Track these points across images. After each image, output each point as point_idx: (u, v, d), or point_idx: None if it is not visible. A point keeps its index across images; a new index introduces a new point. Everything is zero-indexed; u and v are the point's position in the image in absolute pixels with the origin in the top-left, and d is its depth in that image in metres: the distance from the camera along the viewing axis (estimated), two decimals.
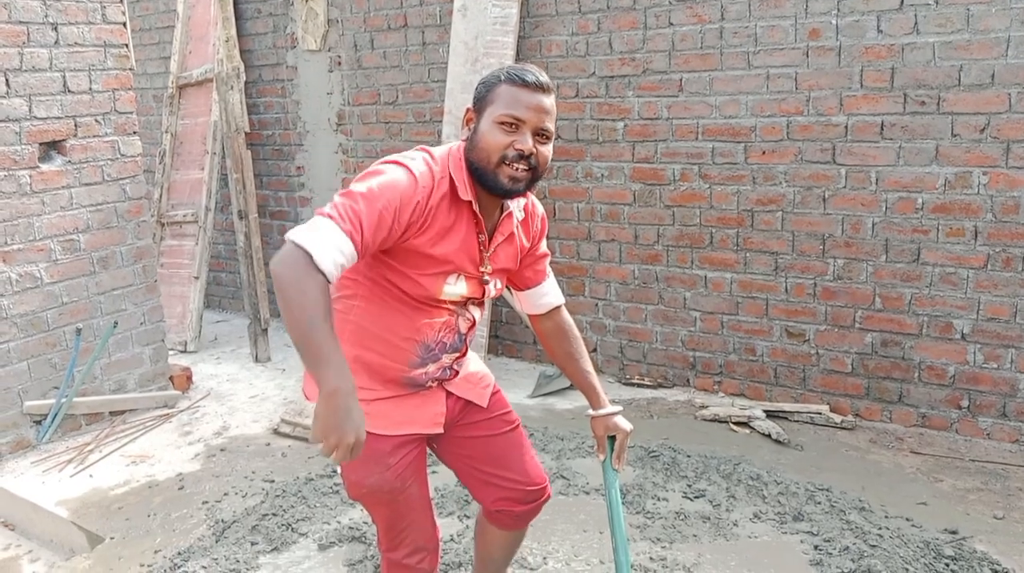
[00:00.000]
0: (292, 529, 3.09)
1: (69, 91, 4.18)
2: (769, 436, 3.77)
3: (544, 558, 2.85)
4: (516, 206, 1.97)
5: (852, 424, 3.88)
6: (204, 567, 2.81)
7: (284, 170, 5.87)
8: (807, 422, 3.94)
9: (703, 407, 4.11)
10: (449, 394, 2.02)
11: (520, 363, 4.94)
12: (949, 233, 3.63)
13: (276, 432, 4.09)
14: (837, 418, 3.89)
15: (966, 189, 3.57)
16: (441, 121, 4.87)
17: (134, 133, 4.49)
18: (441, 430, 1.99)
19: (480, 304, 1.99)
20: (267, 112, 5.86)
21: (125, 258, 4.46)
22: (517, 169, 1.77)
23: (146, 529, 3.23)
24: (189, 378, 4.75)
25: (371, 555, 2.86)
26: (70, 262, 4.22)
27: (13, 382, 3.98)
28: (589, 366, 2.16)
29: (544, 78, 1.81)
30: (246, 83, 5.69)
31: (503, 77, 1.80)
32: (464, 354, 2.03)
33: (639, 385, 4.51)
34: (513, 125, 1.77)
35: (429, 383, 1.96)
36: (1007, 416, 3.63)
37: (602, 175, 4.51)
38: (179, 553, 2.99)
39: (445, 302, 1.88)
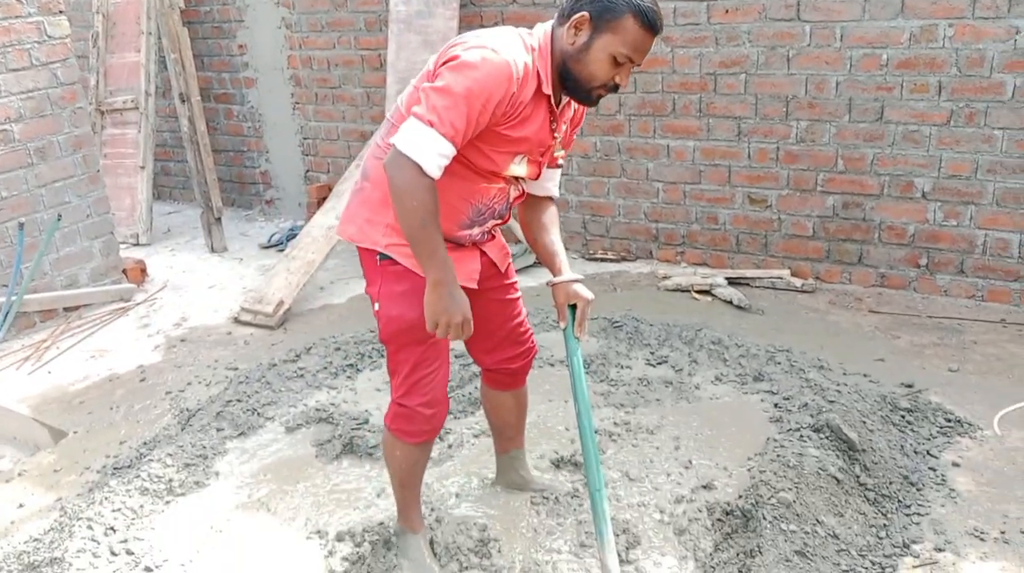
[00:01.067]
0: (258, 414, 3.08)
1: None
2: (731, 302, 3.80)
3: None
4: None
5: (812, 287, 3.92)
6: (170, 454, 2.80)
7: (225, 49, 5.57)
8: (768, 287, 3.97)
9: (666, 278, 4.12)
10: (483, 254, 2.11)
11: None
12: (913, 89, 3.56)
13: (237, 321, 4.03)
14: (798, 282, 3.92)
15: (931, 43, 3.47)
16: None
17: (60, 12, 4.19)
18: (475, 285, 2.06)
19: (533, 180, 2.08)
20: None
21: (63, 148, 4.25)
22: (604, 92, 1.87)
23: (109, 421, 3.21)
24: (143, 271, 4.64)
25: (339, 434, 2.87)
26: (5, 154, 4.02)
27: None
28: (558, 238, 2.18)
29: (663, 18, 1.83)
30: None
31: (635, 10, 1.77)
32: (506, 221, 2.13)
33: (603, 259, 4.49)
34: (623, 63, 1.81)
35: (468, 242, 2.06)
36: (964, 272, 3.68)
37: None
38: (144, 443, 2.98)
39: (504, 175, 1.98)
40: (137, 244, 5.29)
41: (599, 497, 1.98)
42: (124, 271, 4.53)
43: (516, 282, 2.27)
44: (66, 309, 4.23)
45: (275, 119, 5.57)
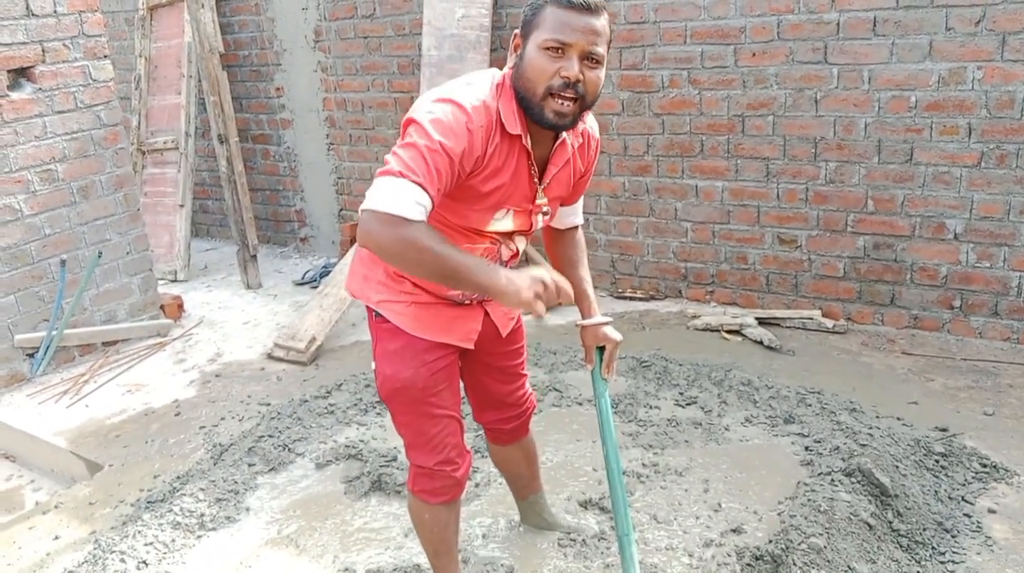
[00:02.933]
0: (289, 449, 3.12)
1: (33, 15, 4.01)
2: (761, 343, 3.78)
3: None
4: (571, 133, 1.87)
5: (844, 328, 3.89)
6: (202, 488, 2.84)
7: (263, 92, 5.72)
8: (799, 328, 3.95)
9: (695, 317, 4.11)
10: (486, 314, 2.04)
11: None
12: (942, 131, 3.55)
13: (270, 357, 4.09)
14: (829, 323, 3.90)
15: (960, 85, 3.48)
16: (420, 33, 4.71)
17: (105, 57, 4.34)
18: (471, 346, 2.01)
19: (526, 235, 1.97)
20: (242, 31, 5.67)
21: (105, 187, 4.38)
22: (563, 103, 1.67)
23: (144, 455, 3.26)
24: (180, 306, 4.73)
25: (367, 471, 2.89)
26: (49, 193, 4.15)
27: (1, 316, 3.96)
28: (587, 276, 2.16)
29: None
30: (219, 1, 5.49)
31: (551, 1, 1.67)
32: None
33: (631, 298, 4.50)
34: (559, 50, 1.65)
35: (467, 301, 1.99)
36: (999, 314, 3.63)
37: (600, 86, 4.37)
38: (178, 477, 3.03)
39: (489, 233, 1.87)
40: (175, 280, 5.40)
41: (627, 541, 1.97)
42: (162, 307, 4.62)
43: (521, 347, 2.19)
44: (104, 344, 4.32)
45: (310, 159, 5.69)
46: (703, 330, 4.00)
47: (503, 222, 1.86)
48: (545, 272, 1.67)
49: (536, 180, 1.84)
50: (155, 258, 5.18)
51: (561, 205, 2.05)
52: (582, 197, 2.13)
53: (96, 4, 4.26)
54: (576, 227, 2.17)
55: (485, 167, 1.73)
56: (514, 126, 1.74)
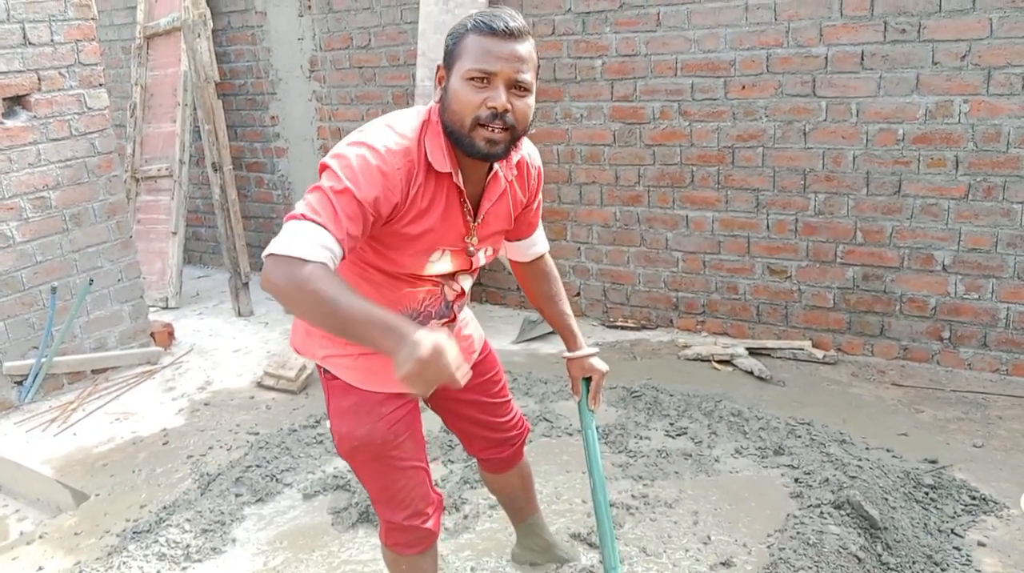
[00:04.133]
0: (276, 480, 3.09)
1: (30, 43, 4.05)
2: (751, 373, 3.78)
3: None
4: (504, 165, 1.80)
5: (834, 359, 3.90)
6: (189, 520, 2.81)
7: (258, 120, 5.76)
8: (789, 358, 3.95)
9: (686, 347, 4.12)
10: None
11: (504, 310, 4.92)
12: (930, 163, 3.59)
13: (260, 385, 4.08)
14: (819, 353, 3.91)
15: (947, 118, 3.52)
16: (415, 64, 4.76)
17: (100, 85, 4.37)
18: (428, 392, 1.93)
19: (471, 273, 1.89)
20: (238, 60, 5.72)
21: (98, 214, 4.38)
22: (493, 130, 1.60)
23: (131, 485, 3.23)
24: (171, 334, 4.72)
25: (355, 502, 2.87)
26: (42, 220, 4.15)
27: None
28: (567, 308, 2.14)
29: (516, 22, 1.61)
30: (215, 31, 5.54)
31: (470, 26, 1.61)
32: (453, 320, 1.95)
33: (622, 327, 4.51)
34: (484, 79, 1.59)
35: None
36: (988, 346, 3.64)
37: (581, 115, 4.43)
38: (164, 507, 3.00)
39: (429, 277, 1.80)
40: (166, 307, 5.39)
41: None
42: (152, 334, 4.61)
43: (498, 373, 2.13)
44: (94, 371, 4.30)
45: (304, 187, 5.71)
46: (694, 360, 4.00)
47: (440, 264, 1.78)
48: (451, 355, 1.38)
49: (470, 217, 1.76)
50: (147, 285, 5.18)
51: (512, 239, 2.00)
52: (540, 225, 2.05)
53: (93, 33, 4.30)
54: (542, 256, 2.10)
55: (408, 210, 1.65)
56: (443, 164, 1.66)
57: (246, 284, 5.19)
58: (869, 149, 3.70)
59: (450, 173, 1.68)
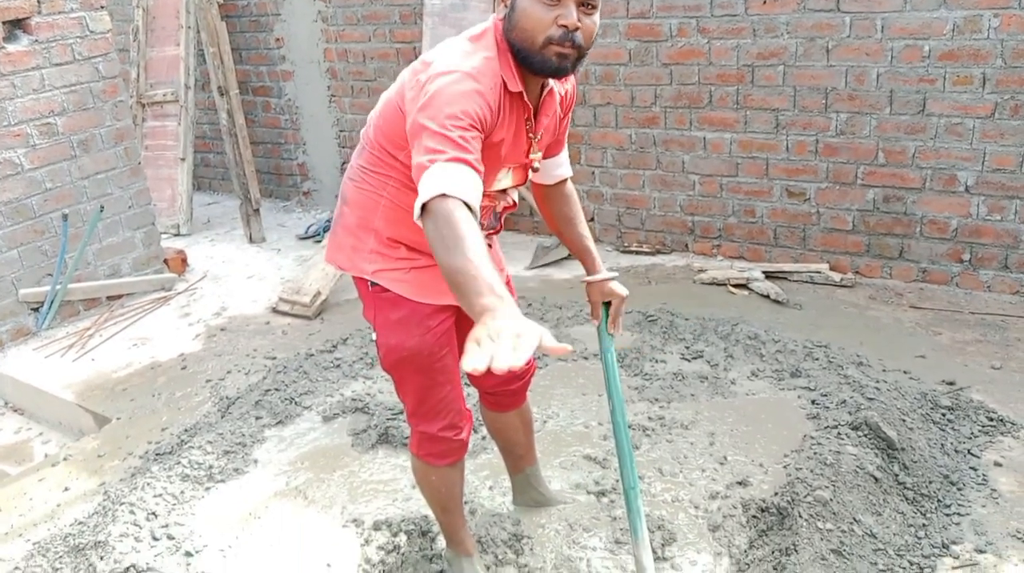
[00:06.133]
0: (296, 403, 3.12)
1: None
2: (768, 297, 3.76)
3: (544, 421, 2.89)
4: (558, 81, 1.82)
5: (852, 282, 3.86)
6: (210, 441, 2.85)
7: (263, 42, 5.62)
8: (806, 282, 3.92)
9: (701, 271, 4.09)
10: None
11: (518, 236, 4.88)
12: (956, 81, 3.48)
13: (275, 310, 4.09)
14: (837, 276, 3.87)
15: (975, 34, 3.39)
16: None
17: (102, 8, 4.26)
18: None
19: (520, 186, 1.93)
20: None
21: (105, 140, 4.33)
22: (564, 46, 1.60)
23: (152, 408, 3.27)
24: (184, 261, 4.71)
25: (375, 424, 2.90)
26: (49, 147, 4.10)
27: (5, 271, 3.95)
28: (586, 231, 2.12)
29: None
30: None
31: None
32: (499, 231, 1.99)
33: (637, 252, 4.47)
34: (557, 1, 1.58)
35: None
36: (1008, 268, 3.60)
37: (596, 33, 4.28)
38: (186, 430, 3.04)
39: (490, 192, 1.81)
40: (178, 234, 5.38)
41: (633, 494, 1.98)
42: (165, 261, 4.61)
43: (514, 298, 2.15)
44: (109, 298, 4.32)
45: (312, 111, 5.62)
46: (709, 284, 3.97)
47: (504, 181, 1.83)
48: (534, 336, 1.23)
49: (531, 134, 1.80)
50: (157, 212, 5.14)
51: (545, 157, 1.97)
52: (566, 147, 2.06)
53: None
54: (565, 180, 2.09)
55: (495, 128, 1.68)
56: (515, 83, 1.68)
57: (257, 210, 5.15)
58: (894, 66, 3.59)
59: (521, 92, 1.70)
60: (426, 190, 1.45)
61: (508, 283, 2.12)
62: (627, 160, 4.43)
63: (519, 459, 2.39)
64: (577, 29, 1.59)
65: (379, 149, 1.81)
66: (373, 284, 1.88)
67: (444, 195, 1.43)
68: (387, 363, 1.92)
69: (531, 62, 1.65)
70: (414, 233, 1.78)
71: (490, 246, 1.97)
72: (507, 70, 1.67)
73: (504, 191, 1.89)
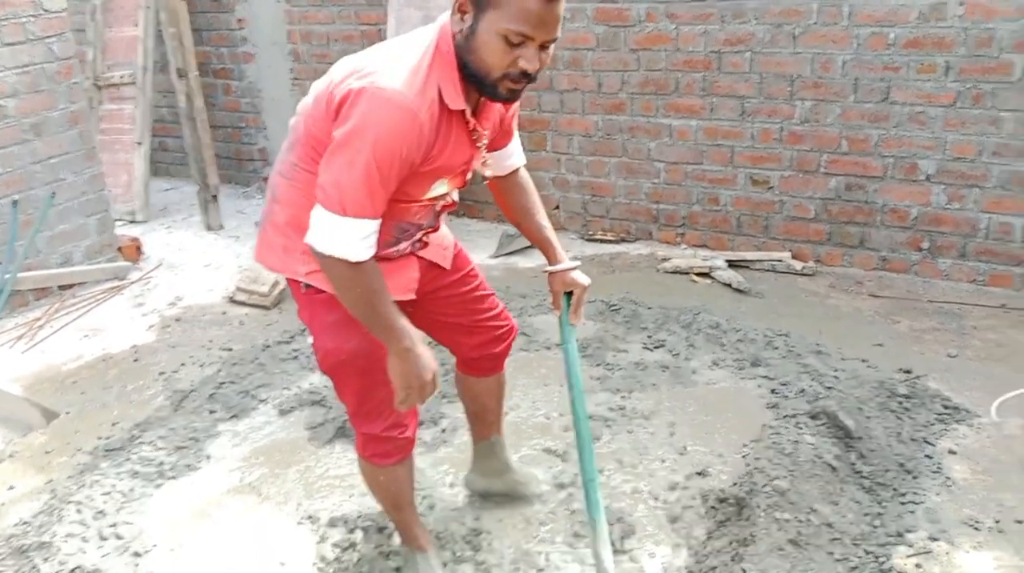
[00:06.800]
0: (251, 396, 3.06)
1: None
2: (730, 285, 3.76)
3: (505, 413, 2.84)
4: None
5: (813, 270, 3.87)
6: (162, 436, 2.79)
7: (224, 23, 5.48)
8: (768, 270, 3.93)
9: (665, 260, 4.07)
10: (420, 258, 1.96)
11: (482, 223, 4.83)
12: (920, 69, 3.48)
13: (232, 300, 4.00)
14: (798, 265, 3.88)
15: (940, 21, 3.40)
16: None
17: None
18: (413, 296, 1.93)
19: (461, 188, 1.91)
20: None
21: (59, 124, 4.20)
22: (518, 83, 1.59)
23: (102, 402, 3.19)
24: (139, 248, 4.60)
25: (332, 417, 2.86)
26: (0, 130, 3.96)
27: None
28: (545, 221, 2.08)
29: None
30: None
31: None
32: (436, 229, 1.97)
33: (602, 241, 4.44)
34: (521, 40, 1.53)
35: (398, 254, 1.90)
36: (966, 256, 3.63)
37: (563, 17, 4.22)
38: (136, 425, 2.97)
39: (426, 199, 1.80)
40: (134, 221, 5.25)
41: (592, 486, 1.95)
42: (119, 249, 4.49)
43: (473, 269, 2.11)
44: (60, 287, 4.20)
45: (274, 95, 5.50)
46: (673, 273, 3.96)
47: (440, 188, 1.80)
48: (432, 370, 1.73)
49: (478, 143, 1.76)
50: (113, 198, 5.02)
51: (494, 149, 1.93)
52: (516, 136, 2.01)
53: None
54: (518, 169, 2.05)
55: (426, 154, 1.65)
56: (457, 102, 1.63)
57: (215, 197, 5.04)
58: (859, 54, 3.58)
59: (463, 110, 1.66)
60: (335, 244, 1.58)
61: (460, 251, 2.09)
62: (593, 147, 4.39)
63: (487, 427, 2.36)
64: (536, 70, 1.57)
65: (310, 149, 1.74)
66: (307, 286, 1.82)
67: (355, 263, 1.60)
68: (325, 366, 1.88)
69: (481, 88, 1.63)
70: None
71: (427, 244, 1.97)
72: (449, 86, 1.62)
73: (444, 195, 1.85)
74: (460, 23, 1.59)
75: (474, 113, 1.73)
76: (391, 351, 1.70)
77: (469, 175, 1.86)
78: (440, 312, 2.08)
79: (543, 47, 1.58)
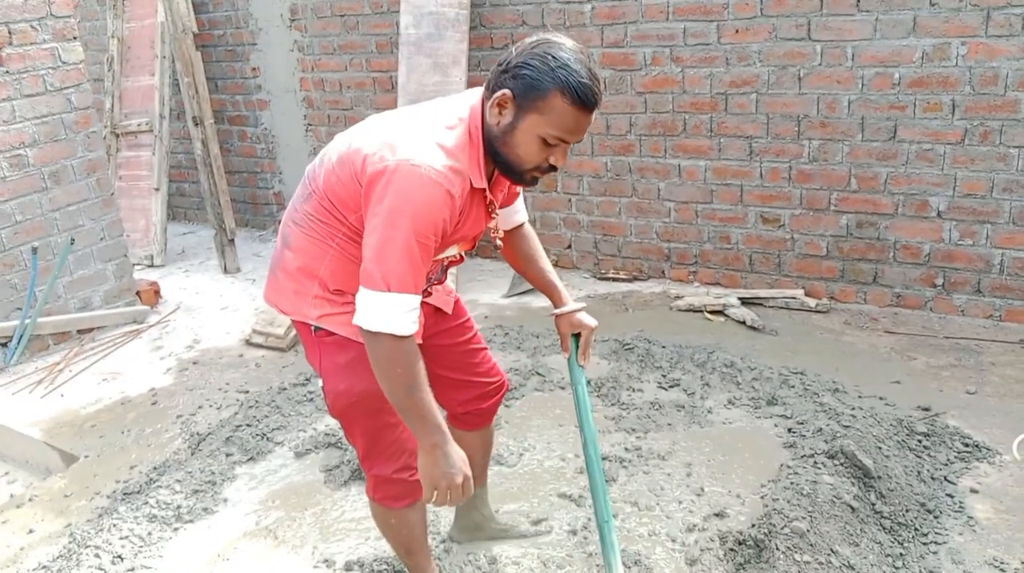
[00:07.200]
0: (267, 438, 3.07)
1: None
2: (744, 323, 3.76)
3: (520, 455, 2.85)
4: None
5: (827, 307, 3.87)
6: (179, 480, 2.79)
7: (239, 72, 5.61)
8: (782, 307, 3.93)
9: (678, 298, 4.08)
10: (425, 304, 1.99)
11: (494, 263, 4.87)
12: (926, 108, 3.52)
13: (248, 343, 4.03)
14: (812, 302, 3.88)
15: (944, 61, 3.44)
16: (398, 11, 4.61)
17: (74, 38, 4.23)
18: (421, 340, 1.90)
19: (470, 250, 1.99)
20: (216, 10, 5.54)
21: (77, 172, 4.28)
22: (545, 173, 1.72)
23: (121, 446, 3.21)
24: (157, 292, 4.66)
25: (347, 460, 2.86)
26: (20, 179, 4.05)
27: None
28: (548, 265, 2.13)
29: (600, 88, 1.63)
30: None
31: (563, 86, 1.59)
32: (442, 282, 2.02)
33: (614, 279, 4.46)
34: (557, 143, 1.65)
35: None
36: (981, 292, 3.62)
37: None
38: (154, 468, 2.98)
39: (437, 260, 1.86)
40: (152, 265, 5.32)
41: (607, 529, 1.95)
42: (137, 293, 4.55)
43: (468, 320, 2.15)
44: (79, 331, 4.25)
45: (288, 140, 5.60)
46: (686, 311, 3.97)
47: (451, 251, 1.88)
48: (464, 473, 1.73)
49: (493, 214, 1.85)
50: (131, 243, 5.09)
51: (500, 207, 2.00)
52: (521, 195, 2.08)
53: None
54: (523, 224, 2.11)
55: (456, 227, 1.74)
56: (480, 181, 1.72)
57: (232, 240, 5.11)
58: (864, 94, 3.62)
59: (484, 188, 1.76)
60: (382, 321, 1.61)
61: (458, 299, 2.13)
62: (603, 187, 4.43)
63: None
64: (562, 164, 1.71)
65: (329, 204, 1.78)
66: (317, 329, 1.84)
67: (400, 337, 1.63)
68: (336, 409, 1.88)
69: (508, 174, 1.73)
70: (357, 285, 1.79)
71: (431, 294, 2.02)
72: (475, 167, 1.70)
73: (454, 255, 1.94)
74: (498, 117, 1.67)
75: (489, 186, 1.81)
76: (421, 447, 1.71)
77: (478, 240, 1.94)
78: (436, 363, 2.09)
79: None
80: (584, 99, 1.59)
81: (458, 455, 1.72)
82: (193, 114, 4.97)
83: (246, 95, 5.65)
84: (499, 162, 1.71)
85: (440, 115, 1.72)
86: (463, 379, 2.14)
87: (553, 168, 1.70)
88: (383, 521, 2.02)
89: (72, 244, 4.20)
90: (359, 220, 1.71)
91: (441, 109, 1.75)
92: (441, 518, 2.52)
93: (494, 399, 2.20)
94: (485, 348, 2.18)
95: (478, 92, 1.75)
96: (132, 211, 5.39)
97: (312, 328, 1.85)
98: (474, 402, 2.17)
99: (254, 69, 5.53)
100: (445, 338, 2.08)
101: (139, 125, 5.46)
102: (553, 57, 1.60)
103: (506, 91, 1.64)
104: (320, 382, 1.87)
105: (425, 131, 1.67)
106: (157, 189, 5.35)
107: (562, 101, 1.59)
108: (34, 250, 4.06)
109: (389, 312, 1.61)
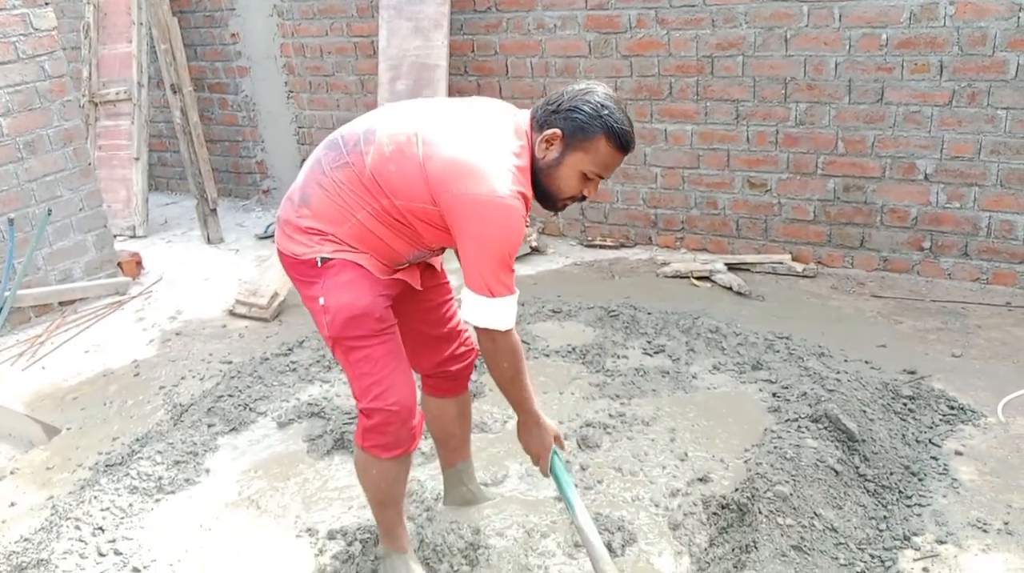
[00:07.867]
0: (250, 409, 3.05)
1: None
2: (730, 289, 3.74)
3: (504, 422, 2.84)
4: None
5: (814, 272, 3.86)
6: (160, 451, 2.77)
7: (218, 38, 5.50)
8: (769, 273, 3.91)
9: (664, 264, 4.06)
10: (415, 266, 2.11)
11: None
12: (914, 70, 3.47)
13: (231, 313, 4.00)
14: (799, 267, 3.86)
15: (932, 21, 3.39)
16: None
17: (46, 4, 4.13)
18: (420, 287, 2.09)
19: None
20: None
21: (53, 141, 4.20)
22: (575, 201, 1.96)
23: (103, 418, 3.18)
24: (139, 263, 4.60)
25: (330, 429, 2.84)
26: None
27: None
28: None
29: (634, 134, 1.89)
30: None
31: (608, 131, 1.83)
32: (443, 250, 2.13)
33: (601, 246, 4.43)
34: (595, 178, 1.89)
35: (408, 265, 2.08)
36: (968, 255, 3.61)
37: (555, 26, 4.24)
38: (137, 439, 2.96)
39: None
40: (134, 236, 5.26)
41: None
42: (119, 264, 4.49)
43: (447, 282, 2.24)
44: (61, 303, 4.20)
45: (269, 108, 5.51)
46: (672, 277, 3.95)
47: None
48: (555, 434, 2.06)
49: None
50: (112, 213, 5.03)
51: None
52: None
53: None
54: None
55: None
56: (530, 196, 1.93)
57: (214, 210, 5.04)
58: (852, 55, 3.57)
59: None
60: (496, 320, 1.85)
61: (441, 267, 2.21)
62: None
63: (452, 453, 2.37)
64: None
65: (372, 183, 1.87)
66: (323, 259, 1.90)
67: (508, 331, 1.87)
68: (335, 328, 1.90)
69: (544, 201, 1.95)
70: (373, 250, 1.93)
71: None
72: (529, 190, 1.90)
73: None
74: (545, 151, 1.89)
75: None
76: (521, 420, 2.02)
77: None
78: (409, 320, 2.13)
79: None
80: (624, 143, 1.86)
81: (548, 425, 2.04)
82: (171, 81, 4.88)
83: (226, 62, 5.54)
84: (538, 190, 1.91)
85: (505, 138, 1.89)
86: (434, 340, 2.18)
87: (584, 198, 1.94)
88: (364, 470, 2.04)
89: (49, 215, 4.13)
90: (406, 208, 1.87)
91: (503, 129, 1.90)
92: (426, 488, 2.51)
93: (463, 363, 2.23)
94: (458, 316, 2.21)
95: (524, 116, 1.94)
96: (113, 181, 5.31)
97: (317, 260, 1.90)
98: (443, 364, 2.20)
99: (233, 35, 5.43)
100: (425, 295, 2.14)
101: (117, 93, 5.36)
102: (602, 105, 1.84)
103: (556, 130, 1.86)
104: (322, 301, 1.89)
105: (500, 158, 1.84)
106: (137, 159, 5.27)
107: (606, 144, 1.84)
108: (11, 222, 4.00)
109: (494, 313, 1.84)
